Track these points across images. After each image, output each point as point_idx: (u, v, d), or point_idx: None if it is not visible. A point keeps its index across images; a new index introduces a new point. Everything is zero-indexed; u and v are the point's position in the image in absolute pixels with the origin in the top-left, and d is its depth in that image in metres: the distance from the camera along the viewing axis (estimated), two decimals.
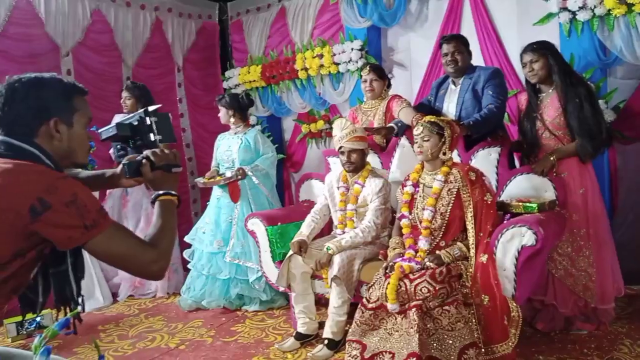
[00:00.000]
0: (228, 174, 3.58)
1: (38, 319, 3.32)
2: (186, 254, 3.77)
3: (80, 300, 1.41)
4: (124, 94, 3.90)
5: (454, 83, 3.11)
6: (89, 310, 3.70)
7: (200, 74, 5.37)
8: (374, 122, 3.28)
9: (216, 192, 3.73)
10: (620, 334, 2.67)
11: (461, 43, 3.02)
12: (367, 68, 3.33)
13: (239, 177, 3.54)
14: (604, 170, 3.28)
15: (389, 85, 3.39)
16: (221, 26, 5.50)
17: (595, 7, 3.12)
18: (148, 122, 1.51)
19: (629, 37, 3.08)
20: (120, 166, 1.54)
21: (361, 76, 3.40)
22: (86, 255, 4.04)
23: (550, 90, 2.76)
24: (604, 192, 3.16)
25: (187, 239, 3.74)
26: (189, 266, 3.71)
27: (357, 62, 4.22)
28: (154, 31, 4.90)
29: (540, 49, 2.73)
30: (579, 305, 2.70)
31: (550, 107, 2.75)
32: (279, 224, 3.15)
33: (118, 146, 1.62)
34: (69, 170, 1.55)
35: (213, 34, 5.47)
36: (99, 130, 1.64)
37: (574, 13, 3.21)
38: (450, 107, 3.08)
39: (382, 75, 3.34)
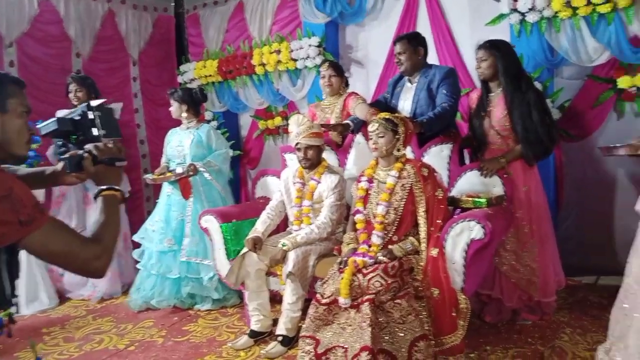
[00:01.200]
0: (179, 170, 3.50)
1: None
2: (136, 254, 3.65)
3: (14, 300, 1.34)
4: (73, 86, 3.72)
5: (409, 81, 3.15)
6: (33, 313, 3.55)
7: (156, 68, 5.25)
8: (331, 119, 3.29)
9: (166, 189, 3.63)
10: (561, 323, 2.78)
11: (409, 44, 3.04)
12: (326, 64, 3.34)
13: (190, 173, 3.46)
14: (549, 167, 3.40)
15: (347, 83, 3.41)
16: (177, 19, 5.39)
17: (543, 9, 3.23)
18: (91, 116, 1.46)
19: (574, 39, 3.21)
20: (61, 162, 1.48)
21: (319, 72, 3.40)
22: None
23: (499, 91, 2.83)
24: (549, 188, 3.28)
25: (136, 237, 3.63)
26: (138, 266, 3.59)
27: (314, 58, 4.22)
28: (106, 23, 4.76)
29: (490, 48, 2.78)
30: (523, 298, 2.79)
31: (498, 106, 2.82)
32: (234, 220, 3.10)
33: (59, 142, 1.56)
34: (7, 168, 1.48)
35: (169, 28, 5.36)
36: (39, 125, 1.57)
37: (523, 14, 3.31)
38: (405, 104, 3.12)
39: (340, 71, 3.35)
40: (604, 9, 3.04)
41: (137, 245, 3.72)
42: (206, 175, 3.52)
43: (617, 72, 3.23)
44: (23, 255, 3.84)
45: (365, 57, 4.32)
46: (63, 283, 3.88)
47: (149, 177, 3.62)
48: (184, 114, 3.61)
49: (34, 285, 3.66)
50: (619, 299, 2.05)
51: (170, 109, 3.67)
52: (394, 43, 3.14)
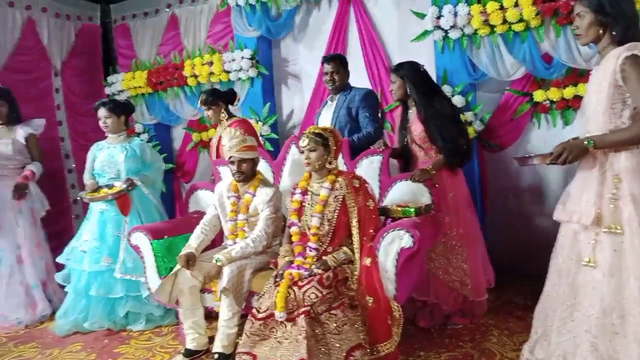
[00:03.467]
0: (117, 184, 3.36)
1: None
2: (59, 277, 3.44)
3: None
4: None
5: (331, 99, 3.33)
6: None
7: (80, 79, 5.04)
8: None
9: (98, 205, 3.44)
10: (490, 325, 2.92)
11: (340, 63, 3.25)
12: (200, 102, 3.55)
13: (129, 188, 3.34)
14: (474, 176, 3.57)
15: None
16: (104, 29, 5.20)
17: (464, 26, 3.41)
18: None
19: (493, 55, 3.41)
20: None
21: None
22: None
23: (414, 108, 2.99)
24: (475, 197, 3.45)
25: (60, 259, 3.41)
26: (66, 289, 3.39)
27: (247, 70, 4.22)
28: (26, 32, 4.51)
29: (398, 71, 2.98)
30: (458, 301, 2.91)
31: (416, 122, 2.97)
32: (166, 237, 3.01)
33: None
34: None
35: (94, 37, 5.16)
36: None
37: (446, 31, 3.48)
38: (325, 120, 3.29)
39: (214, 103, 3.54)
40: (518, 27, 3.26)
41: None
42: (144, 189, 3.42)
43: (533, 86, 3.47)
44: None
45: (298, 69, 4.38)
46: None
47: (84, 195, 3.40)
48: (124, 127, 3.50)
49: None
50: (540, 300, 2.18)
51: (105, 122, 3.46)
52: (325, 62, 3.28)
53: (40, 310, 3.62)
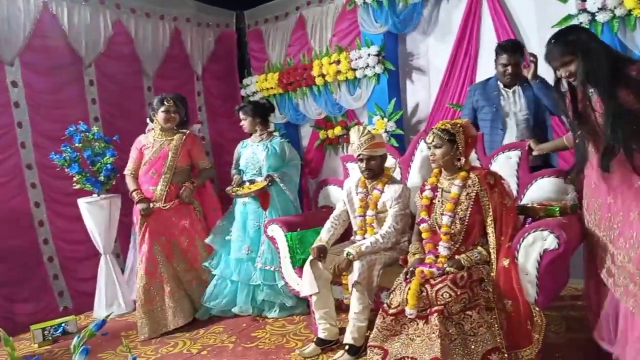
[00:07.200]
0: (258, 180, 3.61)
1: (63, 324, 3.39)
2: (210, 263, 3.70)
3: None
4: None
5: (507, 86, 3.15)
6: (112, 317, 3.76)
7: (218, 83, 5.44)
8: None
9: (242, 198, 3.68)
10: None
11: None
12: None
13: (269, 184, 3.57)
14: None
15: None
16: (238, 34, 5.57)
17: (615, 8, 3.08)
18: None
19: None
20: None
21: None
22: (109, 261, 4.07)
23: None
24: None
25: (208, 241, 3.70)
26: (214, 272, 3.64)
27: (374, 67, 4.24)
28: (173, 41, 4.97)
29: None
30: None
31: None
32: (299, 229, 3.16)
33: None
34: None
35: (231, 43, 5.54)
36: None
37: (593, 14, 3.17)
38: (520, 108, 3.13)
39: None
40: None
41: None
42: (282, 185, 3.63)
43: None
44: (103, 261, 4.07)
45: (425, 64, 4.29)
46: None
47: (230, 190, 3.66)
48: (258, 127, 3.75)
49: (113, 290, 3.88)
50: None
51: (242, 124, 3.79)
52: (506, 53, 3.06)
53: None
